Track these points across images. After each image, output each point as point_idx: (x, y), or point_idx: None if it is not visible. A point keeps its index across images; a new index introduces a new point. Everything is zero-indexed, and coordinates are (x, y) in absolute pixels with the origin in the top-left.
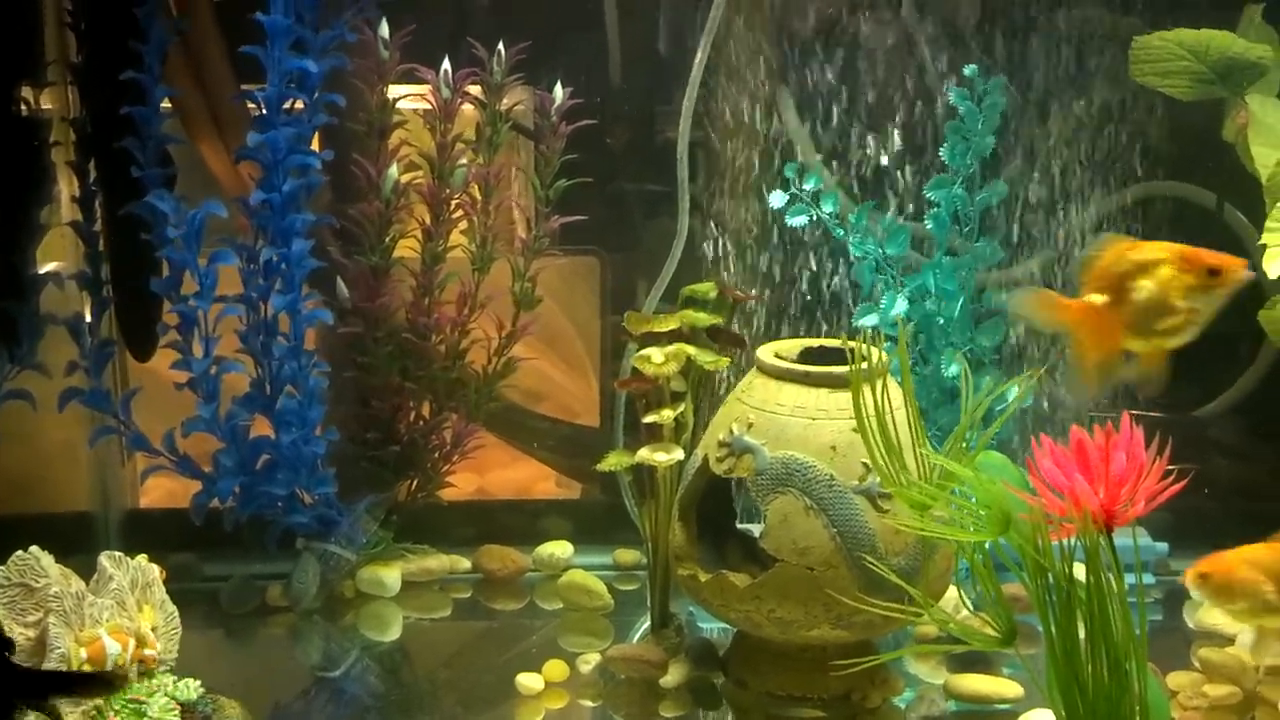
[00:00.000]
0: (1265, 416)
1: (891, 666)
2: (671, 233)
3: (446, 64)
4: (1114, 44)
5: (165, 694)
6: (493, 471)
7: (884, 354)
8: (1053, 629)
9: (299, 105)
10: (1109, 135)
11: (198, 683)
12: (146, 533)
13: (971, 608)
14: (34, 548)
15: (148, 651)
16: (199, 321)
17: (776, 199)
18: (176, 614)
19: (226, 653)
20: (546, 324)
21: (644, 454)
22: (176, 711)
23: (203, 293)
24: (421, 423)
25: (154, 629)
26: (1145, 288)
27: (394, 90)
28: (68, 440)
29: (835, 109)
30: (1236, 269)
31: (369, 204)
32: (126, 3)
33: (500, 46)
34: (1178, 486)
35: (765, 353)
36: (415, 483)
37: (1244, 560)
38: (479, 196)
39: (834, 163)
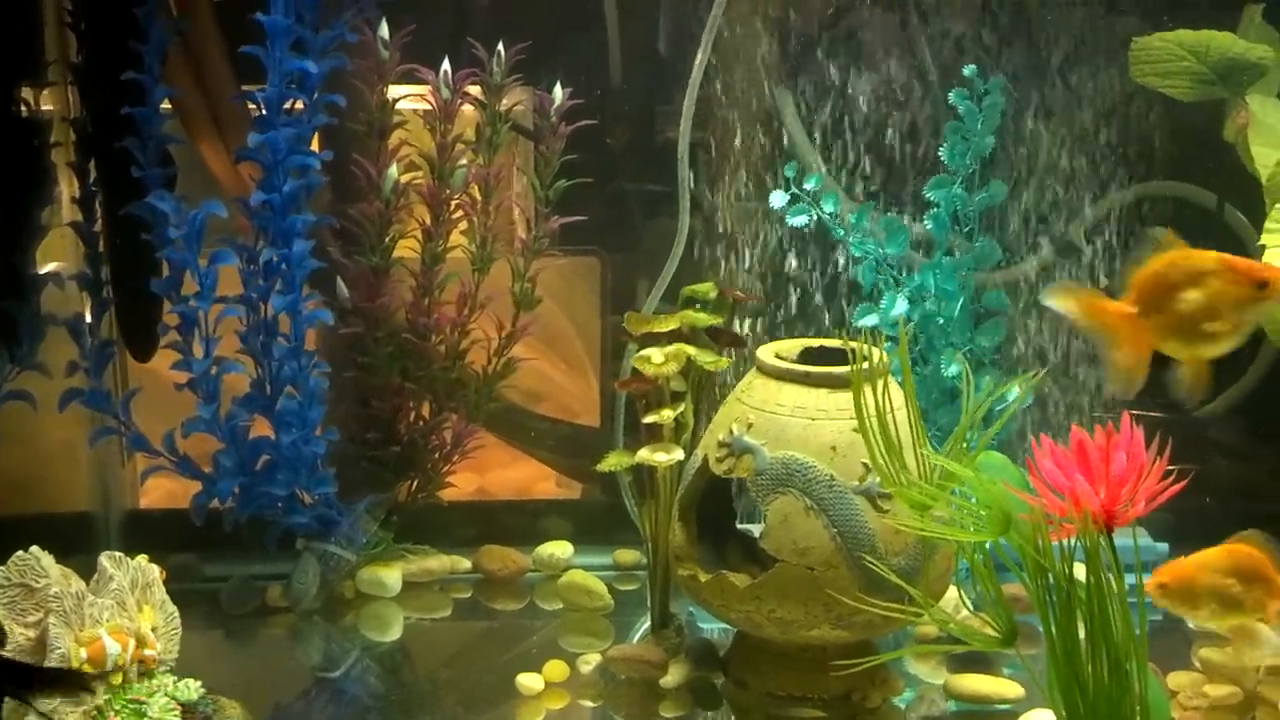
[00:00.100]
0: (1265, 416)
1: (892, 666)
2: (671, 233)
3: (446, 64)
4: (1116, 43)
5: (165, 694)
6: (493, 472)
7: (884, 354)
8: (1053, 629)
9: (299, 106)
10: (1109, 135)
11: (198, 683)
12: (147, 533)
13: (972, 608)
14: (34, 548)
15: (148, 652)
16: (199, 322)
17: (777, 199)
18: (177, 614)
19: (227, 653)
20: (546, 324)
21: (644, 454)
22: (177, 712)
23: (203, 293)
24: (422, 423)
25: (154, 629)
26: (1193, 299)
27: (394, 91)
28: (68, 440)
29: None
30: None
31: (369, 204)
32: (127, 3)
33: (500, 47)
34: (1178, 487)
35: (765, 353)
36: (415, 483)
37: (1200, 565)
38: (479, 197)
39: (835, 162)
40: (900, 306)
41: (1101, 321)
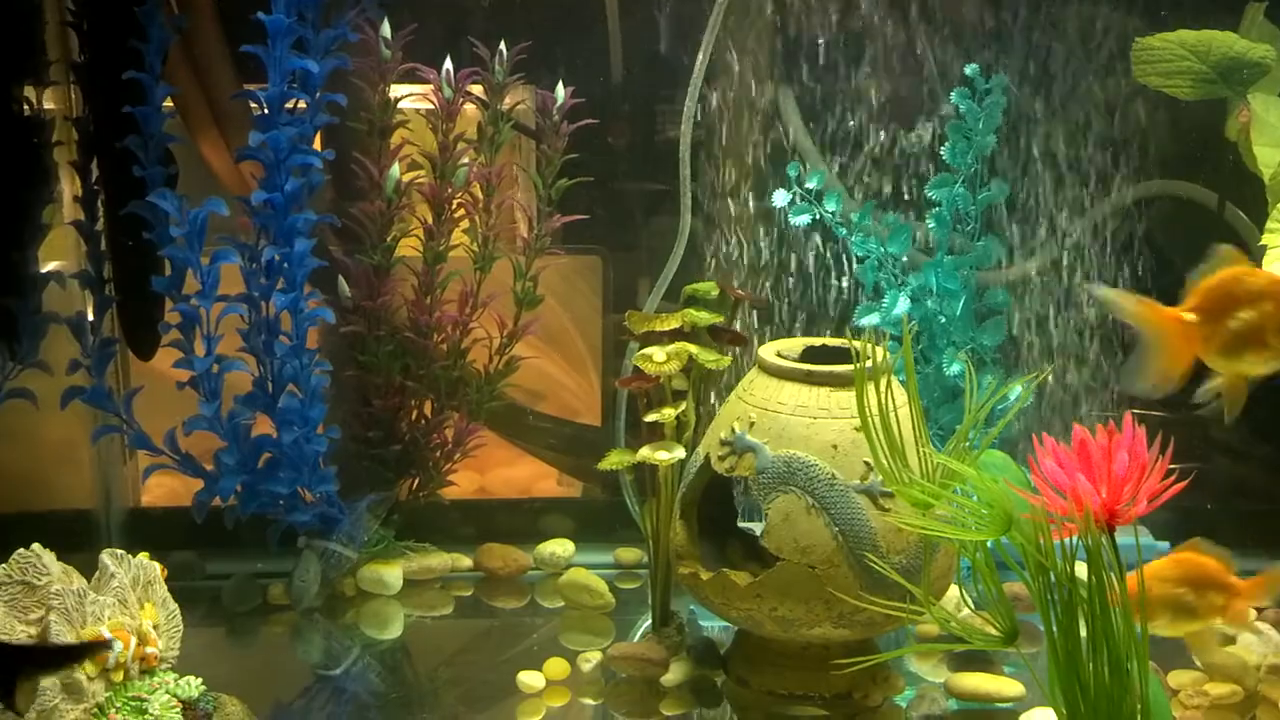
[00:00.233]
0: (1265, 416)
1: (893, 665)
2: (673, 232)
3: (448, 63)
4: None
5: (167, 691)
6: (494, 470)
7: (886, 353)
8: (1054, 628)
9: (301, 105)
10: (1109, 135)
11: (199, 680)
12: (148, 531)
13: (973, 606)
14: (36, 545)
15: (149, 649)
16: (201, 320)
17: (780, 198)
18: (178, 612)
19: (228, 650)
20: (548, 323)
21: (645, 453)
22: (178, 709)
23: (205, 291)
24: (423, 421)
25: (155, 627)
26: (1248, 318)
27: (396, 89)
28: (70, 438)
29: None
30: None
31: (371, 203)
32: (128, 2)
33: (502, 46)
34: (1179, 486)
35: (767, 351)
36: (417, 481)
37: (1150, 578)
38: (481, 195)
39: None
40: (902, 305)
41: (1154, 323)
